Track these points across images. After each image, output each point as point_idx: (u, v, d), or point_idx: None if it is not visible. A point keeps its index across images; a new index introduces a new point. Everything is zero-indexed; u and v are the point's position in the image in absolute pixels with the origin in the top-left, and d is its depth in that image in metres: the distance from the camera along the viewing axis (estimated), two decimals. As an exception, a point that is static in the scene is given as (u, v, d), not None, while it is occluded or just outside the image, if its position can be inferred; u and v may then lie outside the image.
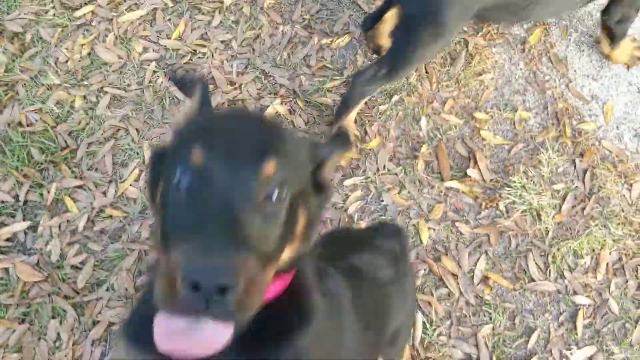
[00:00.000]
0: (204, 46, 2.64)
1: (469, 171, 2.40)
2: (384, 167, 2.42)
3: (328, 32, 2.68)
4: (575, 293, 2.24)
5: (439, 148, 2.46)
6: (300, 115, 2.50)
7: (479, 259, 2.27)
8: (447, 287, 2.23)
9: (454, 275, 2.24)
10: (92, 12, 2.72)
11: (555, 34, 2.77)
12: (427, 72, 2.60)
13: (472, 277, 2.25)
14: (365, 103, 2.53)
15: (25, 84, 2.58)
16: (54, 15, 2.71)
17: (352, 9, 2.74)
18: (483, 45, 2.68)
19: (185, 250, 0.76)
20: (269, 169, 0.86)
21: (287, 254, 0.93)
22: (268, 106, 2.49)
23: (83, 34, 2.68)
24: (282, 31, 2.68)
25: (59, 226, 2.34)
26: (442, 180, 2.41)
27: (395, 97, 2.55)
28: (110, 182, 2.41)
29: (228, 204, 0.81)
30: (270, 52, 2.64)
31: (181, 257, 0.76)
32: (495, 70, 2.64)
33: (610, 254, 2.31)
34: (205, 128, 0.96)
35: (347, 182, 2.39)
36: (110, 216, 2.36)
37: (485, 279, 2.24)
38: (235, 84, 2.56)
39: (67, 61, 2.63)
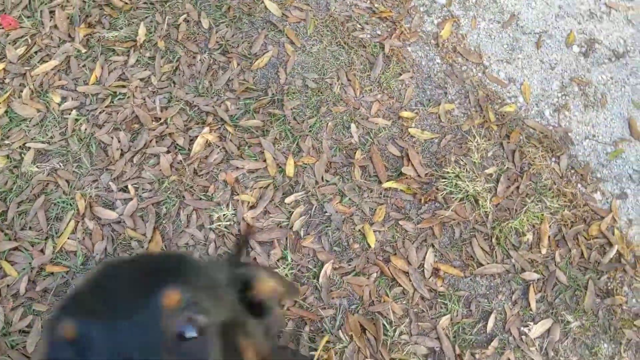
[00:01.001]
0: (124, 86, 2.61)
1: (404, 169, 2.44)
2: (322, 178, 2.44)
3: (247, 55, 2.69)
4: (523, 270, 2.30)
5: (372, 152, 2.49)
6: (231, 140, 2.49)
7: (426, 252, 2.31)
8: (400, 285, 2.25)
9: (405, 273, 2.27)
10: (4, 69, 2.65)
11: (464, 25, 2.86)
12: (349, 79, 2.64)
13: (423, 271, 2.28)
14: (295, 118, 2.55)
15: (-58, 152, 2.48)
16: (-37, 78, 2.63)
17: (267, 28, 2.76)
18: (398, 46, 2.74)
19: None
20: (169, 300, 0.70)
21: None
22: (197, 136, 2.48)
23: (-4, 93, 2.61)
24: (200, 60, 2.68)
25: (0, 292, 2.25)
26: (380, 182, 2.44)
27: (323, 109, 2.57)
28: (46, 238, 2.34)
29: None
30: (192, 82, 2.63)
31: None
32: (413, 68, 2.71)
33: (550, 227, 2.39)
34: (74, 300, 0.78)
35: (288, 199, 2.39)
36: (52, 273, 2.28)
37: (435, 272, 2.28)
38: (160, 119, 2.53)
39: (-17, 124, 2.55)
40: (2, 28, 2.74)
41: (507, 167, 2.50)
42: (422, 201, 2.40)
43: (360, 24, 2.79)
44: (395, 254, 2.31)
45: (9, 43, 2.70)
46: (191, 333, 0.69)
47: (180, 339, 0.68)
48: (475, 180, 2.44)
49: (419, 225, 2.36)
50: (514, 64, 2.77)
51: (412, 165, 2.46)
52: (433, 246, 2.33)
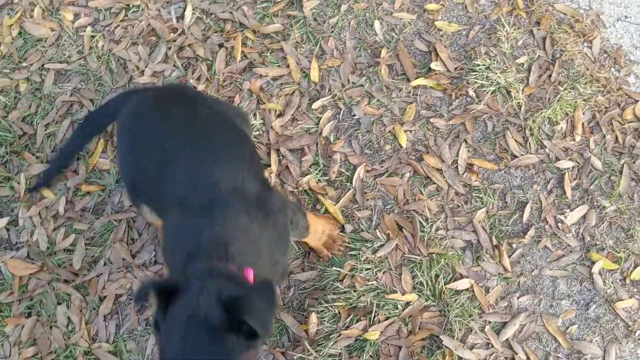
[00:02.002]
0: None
1: (433, 65, 2.38)
2: (348, 81, 2.39)
3: (260, -45, 2.57)
4: (557, 159, 2.28)
5: (398, 49, 2.42)
6: (252, 47, 2.43)
7: (459, 148, 2.29)
8: (434, 183, 2.25)
9: (439, 170, 2.26)
10: (10, -12, 2.56)
11: None
12: (369, -26, 2.52)
13: (457, 167, 2.27)
14: (315, 19, 2.46)
15: (-38, 82, 2.45)
16: (-31, 1, 2.55)
17: None
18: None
19: None
20: None
21: None
22: (221, 44, 2.41)
23: (8, 13, 2.54)
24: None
25: (39, 214, 2.29)
26: (409, 80, 2.38)
27: (344, 7, 2.48)
28: (78, 159, 2.35)
29: None
30: (205, -10, 2.53)
31: None
32: (437, -44, 2.57)
33: (583, 113, 2.34)
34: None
35: (315, 105, 2.36)
36: (88, 193, 2.31)
37: (469, 167, 2.27)
38: (177, 30, 2.46)
39: (-1, 46, 2.50)
40: (3, -56, 2.62)
41: (539, 56, 2.42)
42: (453, 96, 2.35)
43: None
44: (428, 152, 2.29)
45: (14, -40, 2.59)
46: None
47: None
48: (506, 72, 2.37)
49: (451, 121, 2.32)
50: (542, -55, 2.61)
51: (441, 59, 2.39)
52: (466, 141, 2.30)
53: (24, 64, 2.46)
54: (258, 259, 1.47)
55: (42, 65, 2.46)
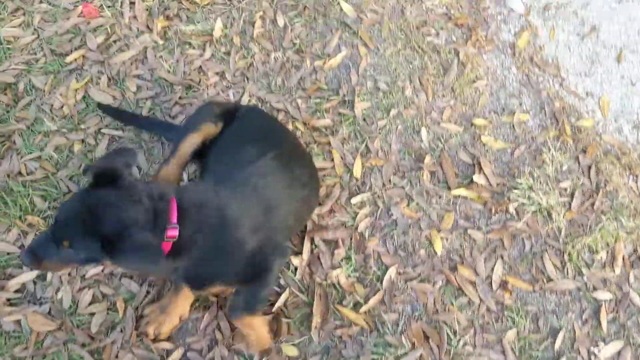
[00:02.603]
0: (198, 80, 2.64)
1: (475, 177, 2.40)
2: (390, 181, 2.42)
3: (320, 54, 2.70)
4: (595, 289, 2.22)
5: (442, 157, 2.46)
6: (301, 138, 2.50)
7: (495, 264, 2.25)
8: (466, 295, 2.20)
9: (472, 283, 2.22)
10: (83, 56, 2.72)
11: (543, 35, 2.80)
12: (421, 83, 2.62)
13: (491, 282, 2.22)
14: (364, 119, 2.54)
15: (22, 133, 2.56)
16: (45, 62, 2.71)
17: (341, 29, 2.76)
18: (474, 53, 2.70)
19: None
20: (64, 243, 1.56)
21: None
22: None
23: (76, 78, 2.68)
24: (274, 57, 2.70)
25: (69, 273, 2.30)
26: (449, 189, 2.40)
27: (393, 111, 2.56)
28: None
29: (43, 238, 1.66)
30: (264, 79, 2.65)
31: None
32: (488, 76, 2.66)
33: (625, 246, 2.30)
34: (69, 203, 1.64)
35: (354, 200, 2.38)
36: (119, 257, 2.32)
37: (503, 284, 2.22)
38: (232, 113, 2.56)
39: (62, 107, 2.62)
40: (84, 16, 2.82)
41: (583, 183, 2.42)
42: (493, 211, 2.34)
43: (435, 30, 2.76)
44: (463, 263, 2.26)
45: (90, 31, 2.77)
46: None
47: None
48: (548, 194, 2.37)
49: (489, 235, 2.31)
50: (592, 78, 2.69)
51: (484, 173, 2.41)
52: (502, 258, 2.27)
53: (82, 127, 2.56)
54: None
55: (99, 129, 2.56)
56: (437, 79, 2.64)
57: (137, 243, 1.50)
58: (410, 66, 2.67)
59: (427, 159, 2.46)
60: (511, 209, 2.34)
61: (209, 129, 2.13)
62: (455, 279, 2.22)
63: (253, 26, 2.77)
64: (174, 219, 1.61)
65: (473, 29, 2.76)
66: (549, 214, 2.34)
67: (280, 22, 2.78)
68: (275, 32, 2.77)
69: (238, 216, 1.77)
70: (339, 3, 2.81)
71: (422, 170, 2.43)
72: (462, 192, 2.38)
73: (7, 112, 2.61)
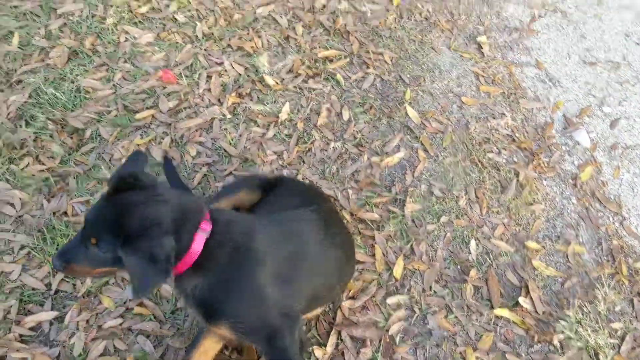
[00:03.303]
0: (257, 155, 2.68)
1: (521, 300, 2.27)
2: (430, 288, 2.31)
3: (378, 152, 2.72)
4: None
5: (489, 274, 2.35)
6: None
7: (531, 397, 2.07)
8: None
9: (504, 414, 2.03)
10: (152, 116, 2.82)
11: (607, 172, 2.75)
12: (477, 196, 2.57)
13: (524, 417, 2.03)
14: (413, 221, 2.48)
15: (77, 176, 2.61)
16: (116, 115, 2.82)
17: (403, 132, 2.79)
18: (534, 177, 2.66)
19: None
20: (92, 241, 1.53)
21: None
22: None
23: (141, 135, 2.77)
24: (333, 147, 2.73)
25: (87, 321, 2.24)
26: (492, 307, 2.27)
27: (444, 218, 2.50)
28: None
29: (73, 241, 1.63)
30: (320, 165, 2.67)
31: None
32: (546, 202, 2.60)
33: (678, 406, 2.08)
34: (99, 204, 1.59)
35: (390, 300, 2.27)
36: (140, 314, 2.26)
37: (538, 421, 2.02)
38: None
39: (121, 158, 2.68)
40: (162, 80, 2.95)
41: (635, 327, 2.25)
42: (536, 339, 2.19)
43: (497, 148, 2.76)
44: (496, 389, 2.09)
45: (164, 95, 2.89)
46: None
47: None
48: (597, 332, 2.21)
49: (528, 364, 2.14)
50: (655, 222, 2.59)
51: (531, 297, 2.28)
52: (539, 391, 2.08)
53: (136, 180, 2.60)
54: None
55: (151, 185, 2.59)
56: (493, 195, 2.59)
57: (155, 244, 1.45)
58: (468, 178, 2.64)
59: (473, 273, 2.35)
60: (555, 341, 2.18)
61: (245, 196, 2.15)
62: (486, 405, 2.04)
63: (318, 115, 2.84)
64: (207, 227, 1.60)
65: (536, 154, 2.74)
66: (596, 354, 2.16)
67: (345, 115, 2.84)
68: (338, 124, 2.82)
69: (263, 250, 1.71)
70: (405, 108, 2.86)
71: (466, 283, 2.32)
72: (505, 313, 2.24)
73: (69, 154, 2.69)
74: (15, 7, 3.23)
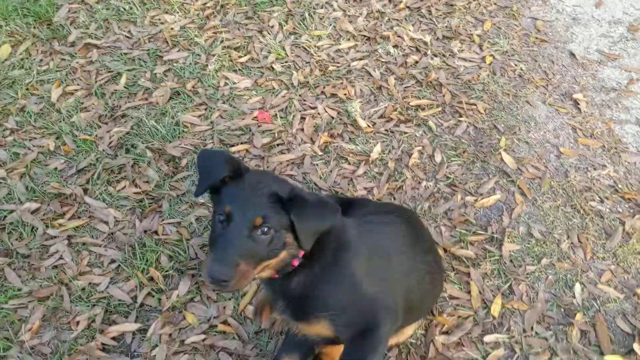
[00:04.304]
0: (347, 189, 2.66)
1: (636, 347, 2.06)
2: (532, 329, 2.15)
3: (472, 192, 2.64)
4: None
5: (596, 319, 2.17)
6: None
7: None
8: None
9: None
10: (247, 150, 2.88)
11: None
12: (580, 241, 2.43)
13: None
14: (512, 261, 2.35)
15: (170, 200, 2.66)
16: (212, 147, 2.89)
17: (499, 175, 2.72)
18: (640, 228, 2.50)
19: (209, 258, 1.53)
20: (257, 220, 1.49)
21: (283, 256, 1.58)
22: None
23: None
24: (425, 186, 2.68)
25: (170, 335, 2.20)
26: (602, 354, 2.07)
27: (545, 261, 2.36)
28: (230, 298, 2.29)
29: (233, 234, 1.49)
30: (411, 203, 2.61)
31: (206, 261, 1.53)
32: (657, 253, 2.42)
33: None
34: (233, 192, 1.56)
35: (488, 338, 2.12)
36: (224, 332, 2.19)
37: None
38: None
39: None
40: (257, 120, 3.04)
41: None
42: (653, 392, 1.96)
43: (599, 197, 2.63)
44: None
45: (259, 132, 2.96)
46: (260, 233, 1.52)
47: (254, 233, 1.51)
48: None
49: (647, 417, 1.90)
50: None
51: (646, 346, 2.07)
52: None
53: (227, 205, 2.62)
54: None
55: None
56: (597, 241, 2.44)
57: (311, 197, 1.60)
58: (569, 223, 2.51)
59: (579, 317, 2.18)
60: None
61: None
62: None
63: (409, 156, 2.82)
64: None
65: (642, 205, 2.59)
66: None
67: (438, 158, 2.81)
68: (430, 166, 2.79)
69: (358, 244, 1.71)
70: (500, 154, 2.81)
71: (572, 327, 2.14)
72: (616, 359, 2.04)
73: (164, 180, 2.76)
74: (125, 54, 3.47)
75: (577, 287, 2.27)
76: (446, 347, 2.10)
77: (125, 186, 2.74)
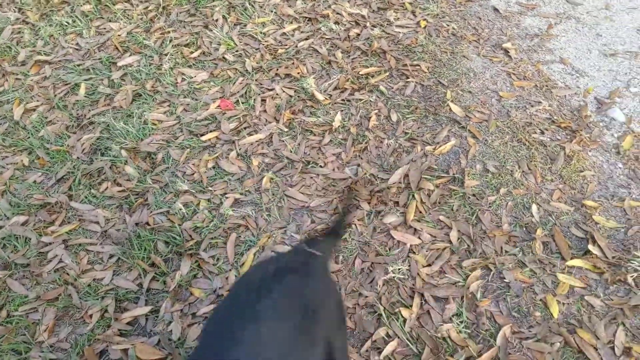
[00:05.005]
0: (317, 157, 2.89)
1: (590, 247, 2.38)
2: (502, 249, 2.44)
3: (430, 143, 2.92)
4: None
5: (554, 231, 2.48)
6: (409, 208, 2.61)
7: (616, 330, 2.14)
8: (588, 358, 2.07)
9: (593, 347, 2.10)
10: (217, 137, 3.06)
11: (646, 141, 2.92)
12: (529, 169, 2.74)
13: (613, 348, 2.09)
14: (474, 195, 2.64)
15: (155, 192, 2.82)
16: (183, 140, 3.06)
17: (450, 124, 3.00)
18: (579, 150, 2.83)
19: None
20: None
21: None
22: (382, 189, 2.64)
23: (208, 152, 2.99)
24: (387, 144, 2.93)
25: (181, 310, 2.38)
26: (564, 259, 2.38)
27: (503, 190, 2.66)
28: (230, 269, 2.49)
29: None
30: (377, 160, 2.86)
31: None
32: (595, 168, 2.75)
33: None
34: None
35: (466, 263, 2.40)
36: (231, 299, 2.38)
37: (627, 350, 2.08)
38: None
39: (193, 174, 2.90)
40: (220, 108, 3.22)
41: None
42: (610, 281, 2.28)
43: (540, 129, 2.95)
44: (581, 327, 2.16)
45: (224, 119, 3.15)
46: None
47: None
48: (669, 268, 2.30)
49: (608, 302, 2.22)
50: (701, 177, 2.73)
51: (599, 246, 2.39)
52: (624, 325, 2.16)
53: (210, 189, 2.80)
54: None
55: (224, 193, 2.79)
56: (544, 166, 2.76)
57: None
58: (518, 155, 2.82)
59: (539, 232, 2.48)
60: (629, 280, 2.28)
61: None
62: (575, 341, 2.11)
63: (369, 120, 3.07)
64: None
65: (577, 131, 2.92)
66: (672, 287, 2.25)
67: (394, 117, 3.07)
68: (388, 125, 3.04)
69: None
70: (448, 105, 3.09)
71: (535, 241, 2.45)
72: (577, 262, 2.35)
73: (145, 175, 2.91)
74: (78, 65, 3.57)
75: (534, 208, 2.58)
76: (430, 277, 2.36)
77: (107, 187, 2.88)
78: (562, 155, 2.79)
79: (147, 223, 2.70)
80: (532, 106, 3.07)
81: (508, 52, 3.43)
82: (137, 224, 2.71)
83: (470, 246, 2.46)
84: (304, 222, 2.63)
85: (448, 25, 3.63)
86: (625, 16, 3.68)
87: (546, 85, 3.19)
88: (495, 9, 3.78)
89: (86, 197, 2.84)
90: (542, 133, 2.93)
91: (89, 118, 3.24)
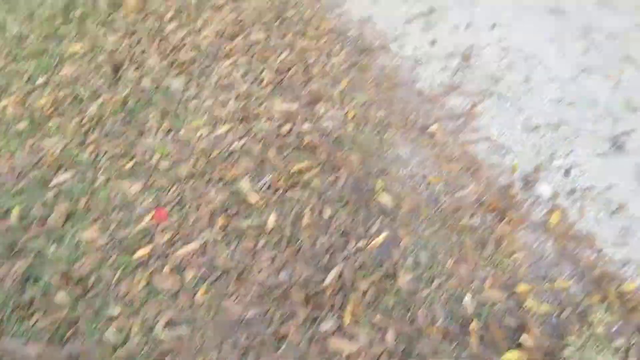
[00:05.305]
0: (253, 264, 2.87)
1: (523, 339, 2.38)
2: (437, 348, 2.41)
3: (363, 236, 2.93)
4: None
5: (489, 321, 2.48)
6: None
7: None
8: None
9: None
10: (149, 252, 3.03)
11: (573, 215, 2.97)
12: (461, 257, 2.76)
13: None
14: (408, 291, 2.64)
15: (87, 320, 2.75)
16: (115, 260, 3.02)
17: (381, 216, 3.03)
18: (508, 231, 2.87)
19: None
20: None
21: None
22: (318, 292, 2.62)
23: (142, 269, 2.95)
24: (320, 243, 2.93)
25: None
26: (499, 352, 2.37)
27: (435, 282, 2.66)
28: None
29: None
30: (312, 260, 2.85)
31: None
32: (526, 249, 2.78)
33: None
34: None
35: (403, 366, 2.36)
36: None
37: None
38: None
39: (126, 295, 2.84)
40: (154, 220, 3.20)
41: (636, 342, 2.35)
42: (547, 373, 2.27)
43: (469, 214, 2.99)
44: None
45: (158, 231, 3.12)
46: None
47: None
48: (602, 352, 2.30)
49: (546, 394, 2.20)
50: (628, 248, 2.77)
51: (533, 334, 2.39)
52: (564, 418, 2.13)
53: (143, 309, 2.75)
54: None
55: (158, 312, 2.73)
56: (475, 252, 2.78)
57: None
58: (449, 243, 2.84)
59: (474, 324, 2.48)
60: (566, 368, 2.27)
61: None
62: None
63: (302, 219, 3.07)
64: None
65: (505, 211, 2.97)
66: (608, 373, 2.24)
67: (327, 213, 3.08)
68: (322, 222, 3.05)
69: None
70: (378, 195, 3.13)
71: (470, 335, 2.44)
72: (514, 355, 2.34)
73: (77, 300, 2.84)
74: (13, 186, 3.54)
75: (467, 298, 2.58)
76: (369, 385, 2.32)
77: (38, 319, 2.80)
78: (492, 239, 2.82)
79: (80, 354, 2.62)
80: (460, 189, 3.13)
81: (434, 134, 3.51)
82: (70, 355, 2.62)
83: (406, 348, 2.43)
84: (239, 337, 2.58)
85: (376, 113, 3.72)
86: (544, 87, 3.82)
87: (473, 166, 3.26)
88: (420, 92, 3.90)
89: (17, 332, 2.75)
90: (471, 217, 2.97)
91: (21, 245, 3.18)
